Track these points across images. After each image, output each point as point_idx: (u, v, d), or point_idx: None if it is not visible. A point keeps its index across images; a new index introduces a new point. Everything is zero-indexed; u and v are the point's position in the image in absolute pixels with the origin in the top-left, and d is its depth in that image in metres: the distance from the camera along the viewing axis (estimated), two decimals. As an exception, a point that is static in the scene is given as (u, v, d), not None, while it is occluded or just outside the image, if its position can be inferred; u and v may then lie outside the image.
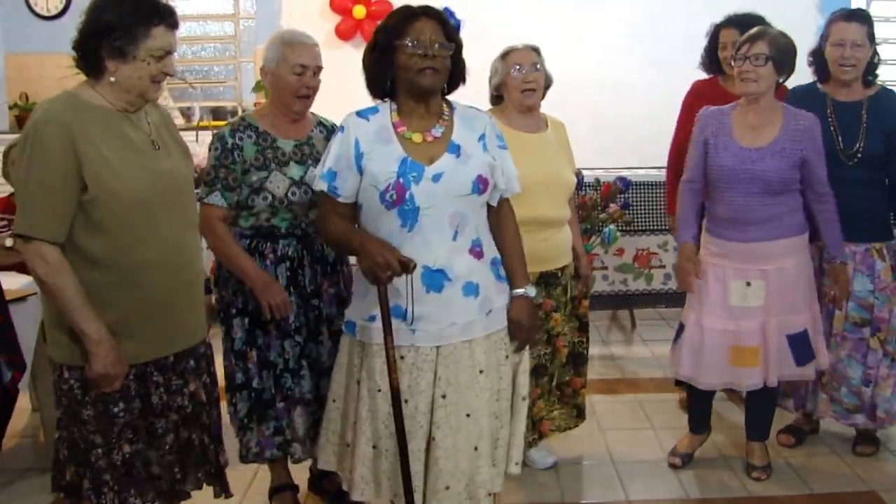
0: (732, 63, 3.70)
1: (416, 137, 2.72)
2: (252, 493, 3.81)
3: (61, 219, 2.46)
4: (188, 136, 6.26)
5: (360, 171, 2.70)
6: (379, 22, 2.77)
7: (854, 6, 7.84)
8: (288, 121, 3.38)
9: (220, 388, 2.99)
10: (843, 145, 3.80)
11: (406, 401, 2.68)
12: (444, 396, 2.69)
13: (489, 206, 2.85)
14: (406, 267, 2.58)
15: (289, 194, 3.28)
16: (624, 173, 5.97)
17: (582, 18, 7.51)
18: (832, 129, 3.81)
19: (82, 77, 2.61)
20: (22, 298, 3.76)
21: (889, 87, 3.96)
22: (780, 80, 3.65)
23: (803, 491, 3.82)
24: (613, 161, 6.56)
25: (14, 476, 4.02)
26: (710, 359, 3.73)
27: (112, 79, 2.53)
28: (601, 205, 5.37)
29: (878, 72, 3.89)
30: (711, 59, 4.50)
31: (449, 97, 2.86)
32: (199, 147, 6.16)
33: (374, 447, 2.74)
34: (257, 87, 7.65)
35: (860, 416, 3.97)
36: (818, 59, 3.92)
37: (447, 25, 2.75)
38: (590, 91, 7.28)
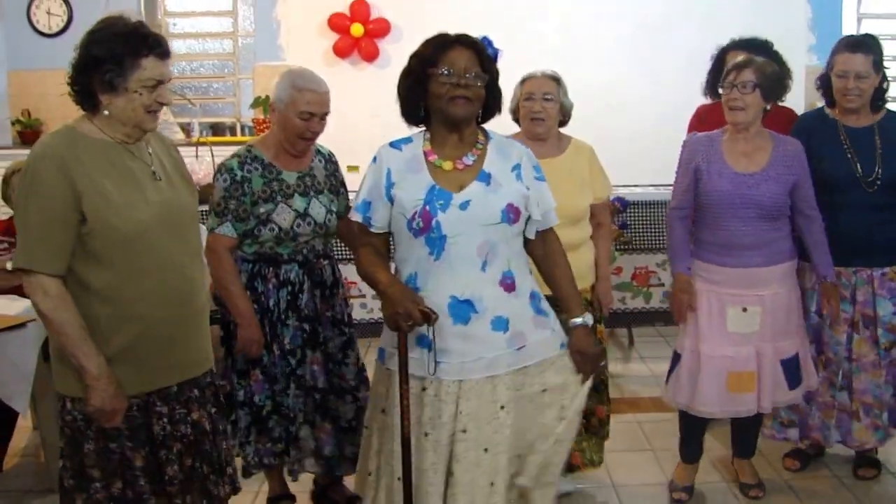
0: (720, 90, 3.69)
1: (447, 165, 2.71)
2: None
3: (61, 252, 2.47)
4: (187, 152, 6.31)
5: (391, 200, 2.70)
6: (415, 50, 2.76)
7: (845, 25, 7.92)
8: (291, 154, 3.45)
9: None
10: (861, 171, 3.79)
11: (427, 434, 2.66)
12: (464, 431, 2.65)
13: (528, 239, 2.83)
14: (428, 318, 2.57)
15: (294, 226, 3.38)
16: (622, 191, 5.99)
17: (580, 35, 7.55)
18: (849, 155, 3.81)
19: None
20: (21, 325, 3.74)
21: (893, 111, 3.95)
22: (767, 108, 3.66)
23: (803, 514, 3.83)
24: (613, 178, 6.58)
25: (17, 498, 4.02)
26: (708, 386, 3.69)
27: (106, 112, 2.54)
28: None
29: (886, 97, 3.88)
30: (717, 82, 4.44)
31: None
32: (199, 163, 6.19)
33: (398, 479, 2.69)
34: (255, 104, 7.70)
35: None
36: (825, 85, 3.92)
37: (483, 54, 2.73)
38: (589, 108, 7.31)
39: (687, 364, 3.76)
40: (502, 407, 2.69)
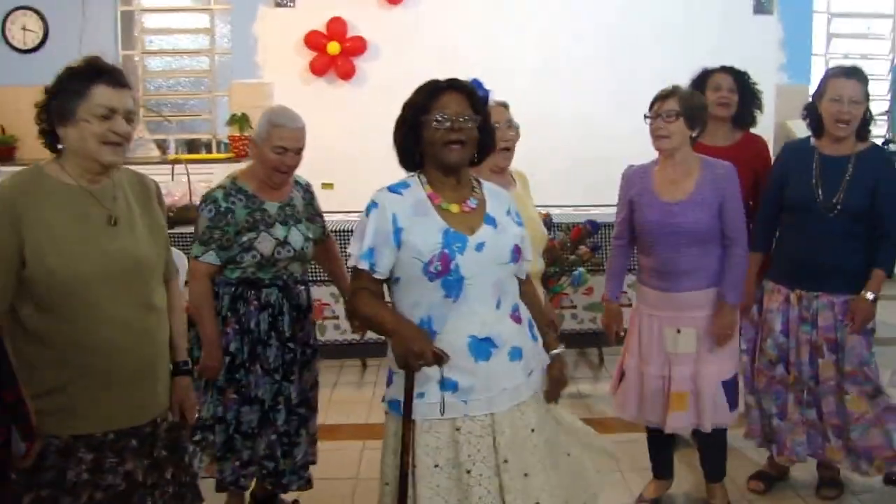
0: (646, 121, 3.78)
1: (454, 208, 2.73)
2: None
3: (2, 292, 2.47)
4: (163, 170, 6.33)
5: (399, 245, 2.69)
6: (407, 99, 2.77)
7: (815, 44, 8.06)
8: (270, 186, 3.59)
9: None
10: (822, 197, 3.86)
11: (469, 471, 2.67)
12: (506, 461, 2.69)
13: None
14: (440, 360, 2.58)
15: (274, 253, 3.54)
16: (594, 212, 6.03)
17: (556, 55, 7.63)
18: (814, 181, 3.89)
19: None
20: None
21: (879, 145, 4.04)
22: (693, 135, 3.74)
23: (767, 535, 3.88)
24: (583, 198, 6.65)
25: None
26: (651, 403, 3.88)
27: (61, 146, 2.54)
28: (571, 247, 5.41)
29: (871, 128, 3.95)
30: None
31: None
32: (174, 184, 6.18)
33: None
34: (231, 121, 7.73)
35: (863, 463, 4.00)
36: (812, 114, 3.98)
37: (474, 97, 2.76)
38: (564, 130, 7.40)
39: (632, 381, 3.93)
40: (532, 430, 2.77)
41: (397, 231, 2.68)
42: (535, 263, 3.58)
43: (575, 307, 6.24)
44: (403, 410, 2.64)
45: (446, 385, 2.66)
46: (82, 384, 2.54)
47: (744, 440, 4.34)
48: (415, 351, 2.55)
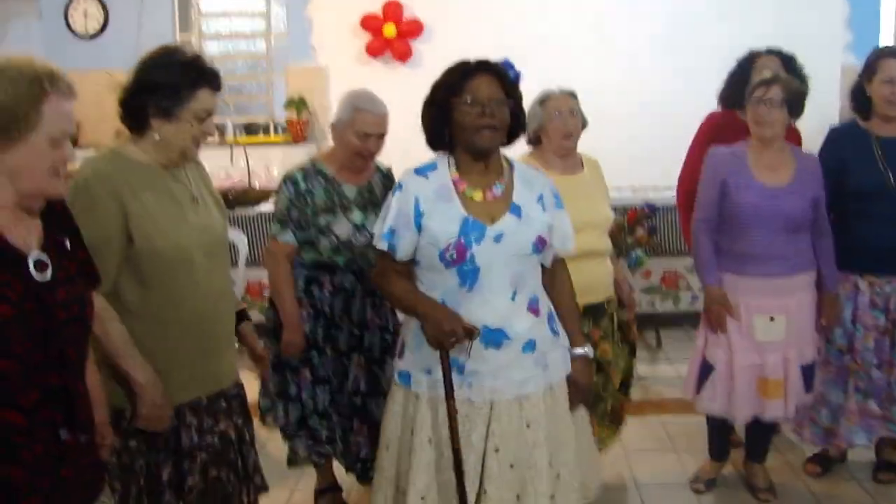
0: (749, 104, 3.72)
1: (477, 195, 2.70)
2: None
3: (107, 273, 2.47)
4: (222, 153, 6.41)
5: (419, 229, 2.68)
6: (437, 79, 2.75)
7: (883, 22, 7.83)
8: (351, 170, 3.61)
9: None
10: (893, 182, 3.81)
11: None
12: (497, 450, 2.68)
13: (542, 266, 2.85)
14: (471, 334, 2.58)
15: (351, 238, 3.55)
16: (651, 195, 6.00)
17: (613, 34, 7.55)
18: (881, 165, 3.84)
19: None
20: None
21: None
22: (792, 123, 3.74)
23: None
24: (642, 180, 6.59)
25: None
26: (741, 395, 3.79)
27: (156, 136, 2.58)
28: (628, 230, 5.39)
29: None
30: (738, 90, 4.23)
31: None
32: (233, 167, 6.26)
33: (422, 498, 2.71)
34: (289, 104, 7.78)
35: None
36: (859, 96, 3.93)
37: (505, 79, 2.72)
38: (621, 108, 7.31)
39: (721, 375, 3.83)
40: (528, 425, 2.73)
41: (418, 215, 2.67)
42: (601, 243, 3.73)
43: (633, 290, 6.18)
44: (445, 390, 2.62)
45: (453, 364, 2.64)
46: (183, 354, 2.64)
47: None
48: (446, 331, 2.56)
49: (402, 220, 2.69)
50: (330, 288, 3.63)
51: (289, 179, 3.59)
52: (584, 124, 3.77)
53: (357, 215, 3.57)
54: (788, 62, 4.30)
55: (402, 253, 2.71)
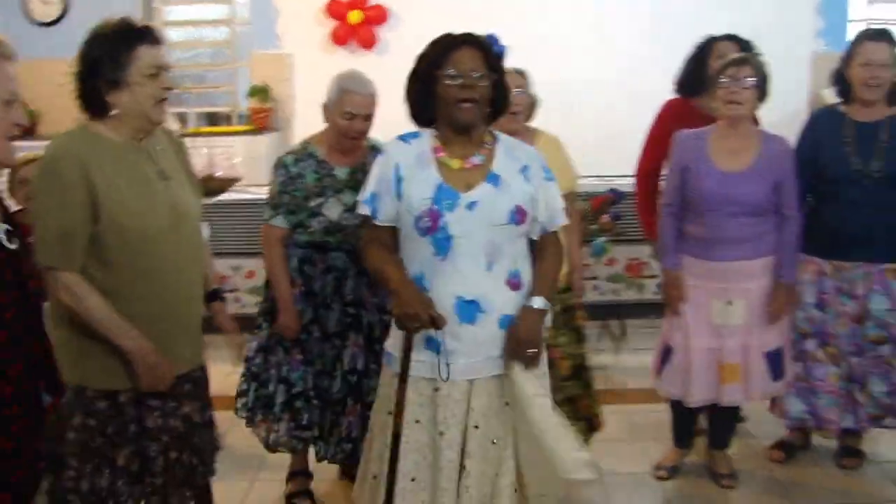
0: (720, 84, 3.69)
1: (455, 163, 2.71)
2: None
3: (79, 248, 2.50)
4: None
5: (399, 195, 2.70)
6: (420, 52, 2.75)
7: (852, 9, 7.84)
8: (342, 151, 3.62)
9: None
10: (858, 164, 3.81)
11: (442, 433, 2.68)
12: (476, 427, 2.68)
13: (532, 240, 2.83)
14: (436, 323, 2.57)
15: (342, 220, 3.56)
16: (617, 182, 5.99)
17: (594, 24, 7.54)
18: (847, 149, 3.83)
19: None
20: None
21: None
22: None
23: (786, 504, 3.88)
24: (615, 169, 6.57)
25: None
26: (698, 378, 3.80)
27: (116, 111, 2.56)
28: (591, 217, 5.39)
29: None
30: (697, 76, 4.32)
31: None
32: (194, 157, 6.19)
33: (412, 479, 2.70)
34: (252, 92, 7.70)
35: (889, 419, 3.98)
36: (840, 79, 3.93)
37: (489, 53, 2.72)
38: (600, 99, 7.29)
39: (679, 358, 3.86)
40: (507, 403, 2.73)
41: (398, 180, 2.69)
42: None
43: (596, 278, 6.20)
44: (400, 371, 2.63)
45: (430, 344, 2.65)
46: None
47: (764, 409, 4.31)
48: (410, 314, 2.55)
49: (383, 186, 2.71)
50: (322, 267, 3.67)
51: (280, 164, 3.65)
52: (534, 104, 3.78)
53: (349, 196, 3.55)
54: (746, 47, 4.28)
55: (383, 217, 2.72)
